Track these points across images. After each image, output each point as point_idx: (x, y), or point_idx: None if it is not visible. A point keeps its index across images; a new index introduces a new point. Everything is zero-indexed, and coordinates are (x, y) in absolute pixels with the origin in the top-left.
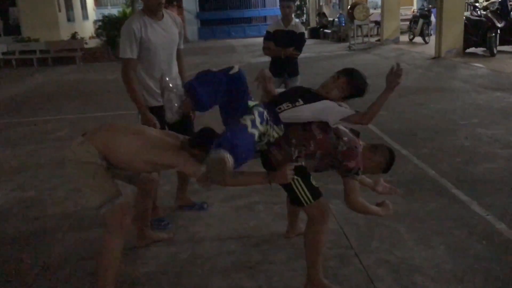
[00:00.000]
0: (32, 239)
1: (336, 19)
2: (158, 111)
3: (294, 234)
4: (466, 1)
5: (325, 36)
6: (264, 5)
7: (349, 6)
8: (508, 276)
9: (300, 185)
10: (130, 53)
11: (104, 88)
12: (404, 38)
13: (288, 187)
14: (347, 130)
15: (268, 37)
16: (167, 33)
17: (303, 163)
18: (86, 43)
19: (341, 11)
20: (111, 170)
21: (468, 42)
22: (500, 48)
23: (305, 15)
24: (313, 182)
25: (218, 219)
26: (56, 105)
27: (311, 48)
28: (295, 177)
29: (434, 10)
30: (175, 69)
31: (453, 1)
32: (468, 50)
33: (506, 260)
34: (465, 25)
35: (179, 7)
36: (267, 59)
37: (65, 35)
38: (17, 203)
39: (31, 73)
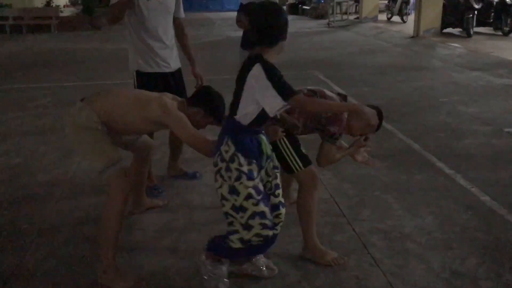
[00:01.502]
0: (24, 206)
1: None
2: (151, 78)
3: (288, 203)
4: None
5: (304, 13)
6: None
7: None
8: (493, 243)
9: (291, 153)
10: None
11: (82, 57)
12: (382, 16)
13: (280, 156)
14: (333, 95)
15: (241, 9)
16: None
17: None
18: (61, 12)
19: None
20: (110, 136)
21: (445, 22)
22: (476, 29)
23: None
24: (303, 151)
25: (211, 188)
26: (33, 73)
27: (291, 24)
28: (287, 145)
29: None
30: (170, 37)
31: None
32: (445, 31)
33: (490, 229)
34: (444, 5)
35: None
36: None
37: (39, 2)
38: (4, 170)
39: (3, 40)
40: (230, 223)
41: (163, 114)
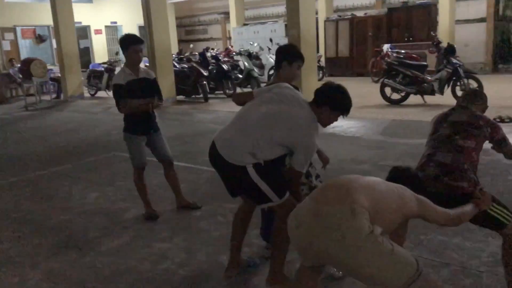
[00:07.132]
0: None
1: None
2: None
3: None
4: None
5: None
6: None
7: (19, 64)
8: None
9: (498, 209)
10: None
11: None
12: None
13: (486, 215)
14: (476, 113)
15: (122, 92)
16: None
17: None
18: None
19: None
20: None
21: (178, 91)
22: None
23: None
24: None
25: None
26: None
27: None
28: (492, 204)
29: None
30: None
31: (163, 55)
32: (178, 98)
33: None
34: (175, 76)
35: None
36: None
37: None
38: None
39: None
40: None
41: (420, 207)
